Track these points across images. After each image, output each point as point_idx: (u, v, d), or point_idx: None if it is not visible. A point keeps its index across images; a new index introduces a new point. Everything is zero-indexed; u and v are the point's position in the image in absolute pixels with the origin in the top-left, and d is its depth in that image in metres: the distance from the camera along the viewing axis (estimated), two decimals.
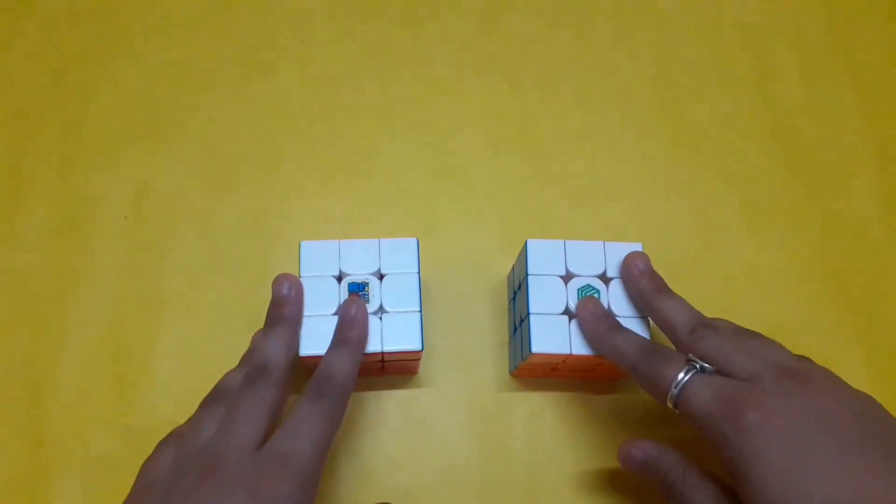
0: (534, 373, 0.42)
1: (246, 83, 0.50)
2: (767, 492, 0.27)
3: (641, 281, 0.37)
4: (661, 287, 0.37)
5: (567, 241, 0.39)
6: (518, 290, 0.41)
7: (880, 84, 0.52)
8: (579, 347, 0.37)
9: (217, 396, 0.33)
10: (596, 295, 0.38)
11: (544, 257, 0.39)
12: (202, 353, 0.43)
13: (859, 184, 0.49)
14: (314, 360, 0.37)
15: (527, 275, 0.38)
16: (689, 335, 0.34)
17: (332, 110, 0.49)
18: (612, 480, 0.41)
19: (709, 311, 0.45)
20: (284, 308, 0.36)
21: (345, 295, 0.37)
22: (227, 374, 0.35)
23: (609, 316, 0.37)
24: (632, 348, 0.35)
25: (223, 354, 0.41)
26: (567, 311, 0.38)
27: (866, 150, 0.50)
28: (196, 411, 0.33)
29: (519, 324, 0.40)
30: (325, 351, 0.36)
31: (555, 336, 0.37)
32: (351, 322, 0.36)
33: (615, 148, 0.49)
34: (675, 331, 0.35)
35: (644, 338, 0.36)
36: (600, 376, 0.42)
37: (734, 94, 0.51)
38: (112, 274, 0.44)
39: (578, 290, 0.38)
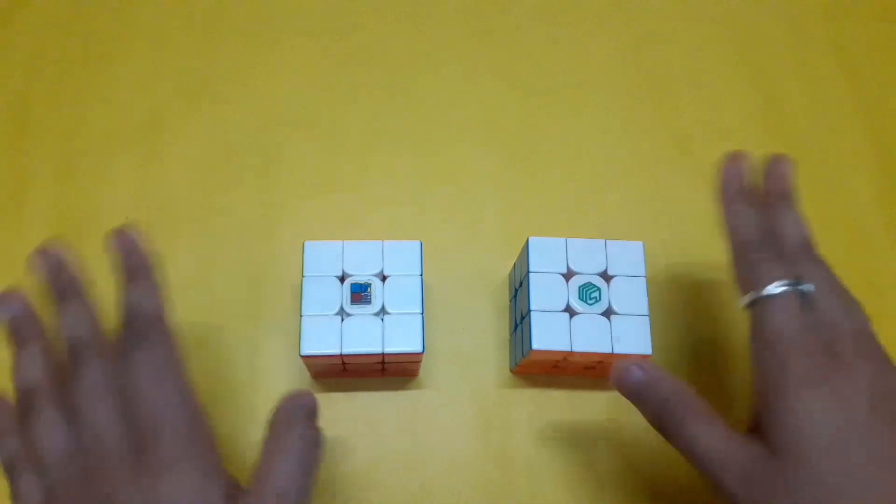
0: (534, 370, 0.42)
1: (249, 84, 0.49)
2: (800, 454, 0.27)
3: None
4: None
5: (568, 239, 0.39)
6: (519, 287, 0.41)
7: (880, 84, 0.52)
8: (580, 345, 0.37)
9: (30, 403, 0.28)
10: (596, 294, 0.38)
11: (546, 255, 0.39)
12: (202, 354, 0.42)
13: (859, 184, 0.49)
14: (316, 360, 0.37)
15: (528, 272, 0.39)
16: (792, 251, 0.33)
17: (334, 112, 0.49)
18: (611, 478, 0.41)
19: (707, 309, 0.44)
20: (61, 280, 0.31)
21: (347, 295, 0.37)
22: (18, 374, 0.29)
23: (747, 187, 0.35)
24: (751, 228, 0.33)
25: (223, 355, 0.41)
26: (568, 309, 0.38)
27: (866, 150, 0.50)
28: (22, 429, 0.27)
29: (520, 321, 0.41)
30: (325, 350, 0.36)
31: (555, 333, 0.37)
32: (131, 249, 0.31)
33: (615, 147, 0.49)
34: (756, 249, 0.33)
35: (766, 225, 0.34)
36: (600, 374, 0.42)
37: (734, 95, 0.51)
38: (112, 274, 0.44)
39: (579, 287, 0.38)
